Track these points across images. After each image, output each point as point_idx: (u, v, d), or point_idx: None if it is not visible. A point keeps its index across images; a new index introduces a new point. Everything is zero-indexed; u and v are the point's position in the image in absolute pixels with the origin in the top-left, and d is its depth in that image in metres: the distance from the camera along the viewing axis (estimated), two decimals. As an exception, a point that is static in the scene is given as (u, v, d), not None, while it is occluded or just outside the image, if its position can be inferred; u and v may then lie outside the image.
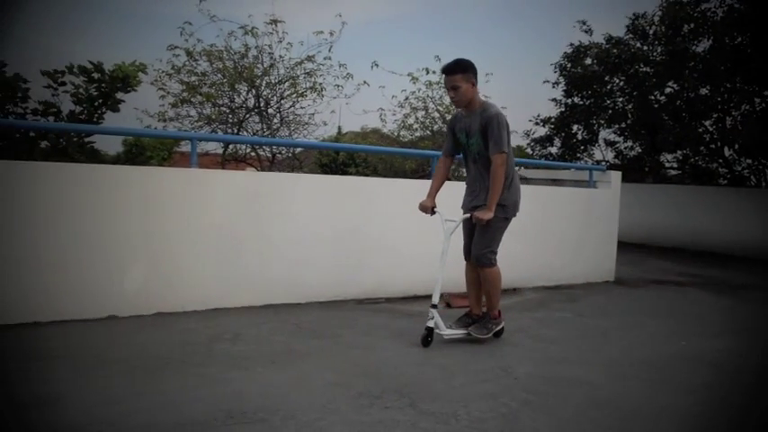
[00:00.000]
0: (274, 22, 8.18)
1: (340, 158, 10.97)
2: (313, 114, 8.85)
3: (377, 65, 9.24)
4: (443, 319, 4.42)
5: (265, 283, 5.31)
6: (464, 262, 4.60)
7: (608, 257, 7.60)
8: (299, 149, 9.69)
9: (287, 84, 8.52)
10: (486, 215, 4.15)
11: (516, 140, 17.01)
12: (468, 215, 4.31)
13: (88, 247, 4.58)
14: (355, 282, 5.71)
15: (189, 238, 4.95)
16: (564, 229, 7.15)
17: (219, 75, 8.40)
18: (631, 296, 6.77)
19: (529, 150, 14.52)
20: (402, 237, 5.89)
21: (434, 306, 4.27)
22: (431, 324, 4.27)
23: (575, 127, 14.26)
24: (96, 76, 6.81)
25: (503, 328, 4.60)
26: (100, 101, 6.91)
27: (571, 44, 13.83)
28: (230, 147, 8.68)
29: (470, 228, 4.48)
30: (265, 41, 8.32)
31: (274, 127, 8.70)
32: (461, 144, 4.48)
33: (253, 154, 8.91)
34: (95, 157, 6.90)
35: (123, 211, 4.69)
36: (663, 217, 12.24)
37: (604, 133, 14.21)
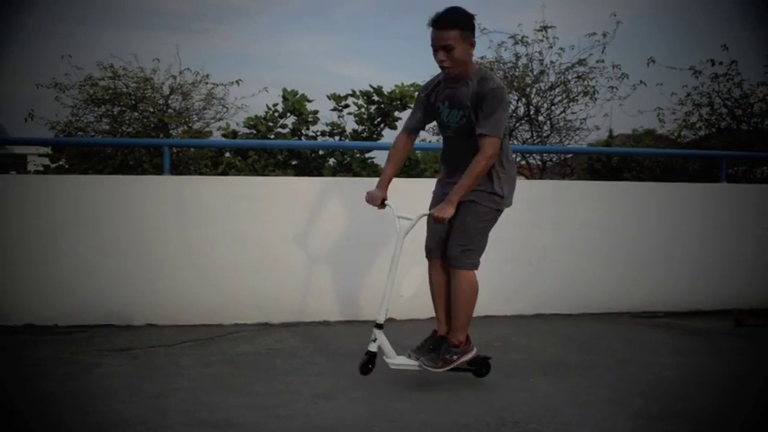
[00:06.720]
0: (544, 28, 8.15)
1: (613, 163, 10.45)
2: (585, 119, 8.64)
3: (653, 61, 8.65)
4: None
5: (535, 292, 5.27)
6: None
7: None
8: (569, 155, 9.48)
9: (558, 89, 8.41)
10: (446, 212, 3.25)
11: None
12: (426, 214, 3.39)
13: (370, 253, 4.98)
14: (630, 293, 5.41)
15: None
16: None
17: (490, 85, 8.57)
18: None
19: None
20: (683, 244, 5.46)
21: (379, 326, 3.42)
22: (373, 348, 3.39)
23: None
24: (375, 98, 7.44)
25: (482, 364, 3.59)
26: (379, 119, 7.54)
27: None
28: (500, 155, 8.81)
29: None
30: (535, 48, 8.32)
31: (544, 134, 8.63)
32: (438, 116, 3.50)
33: (523, 162, 8.93)
34: (375, 171, 7.52)
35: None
36: None
37: None
